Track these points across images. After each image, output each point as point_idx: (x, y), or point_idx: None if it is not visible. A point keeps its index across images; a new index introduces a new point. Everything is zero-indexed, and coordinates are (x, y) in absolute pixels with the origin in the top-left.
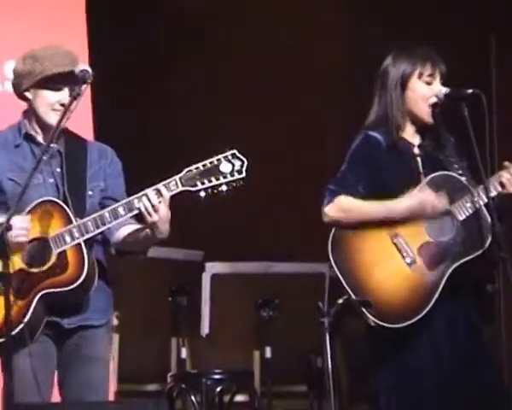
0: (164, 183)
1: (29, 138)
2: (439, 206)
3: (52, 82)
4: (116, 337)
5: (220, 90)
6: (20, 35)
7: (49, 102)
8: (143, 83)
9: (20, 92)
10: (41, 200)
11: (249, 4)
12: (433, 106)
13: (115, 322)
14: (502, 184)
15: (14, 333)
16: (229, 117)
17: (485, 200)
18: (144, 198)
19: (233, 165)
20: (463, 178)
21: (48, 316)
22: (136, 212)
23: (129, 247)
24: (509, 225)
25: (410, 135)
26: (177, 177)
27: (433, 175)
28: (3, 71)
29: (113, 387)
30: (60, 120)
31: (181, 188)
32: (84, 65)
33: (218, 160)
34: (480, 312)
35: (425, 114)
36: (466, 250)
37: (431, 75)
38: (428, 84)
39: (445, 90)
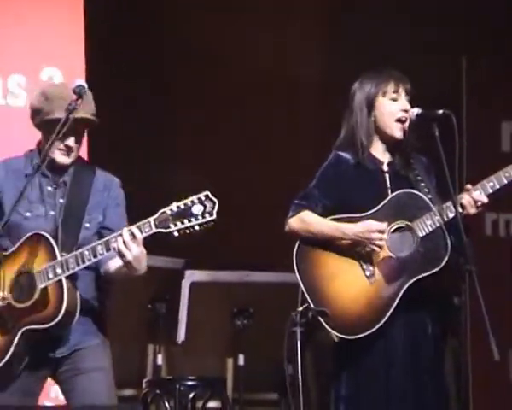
0: (138, 224)
1: (39, 170)
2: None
3: (57, 124)
4: None
5: (195, 104)
6: (22, 49)
7: (55, 144)
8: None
9: (34, 125)
10: (30, 234)
11: (228, 19)
12: (401, 121)
13: None
14: (462, 206)
15: None
16: (206, 130)
17: (448, 218)
18: (119, 239)
19: (204, 206)
20: (429, 196)
21: (34, 350)
22: (112, 251)
23: (113, 277)
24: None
25: (381, 153)
26: (151, 218)
27: (397, 192)
28: (6, 85)
29: None
30: (56, 134)
31: (154, 230)
32: (80, 80)
33: (192, 201)
34: (446, 325)
35: (394, 129)
36: (423, 267)
37: (395, 92)
38: (394, 100)
39: (416, 110)
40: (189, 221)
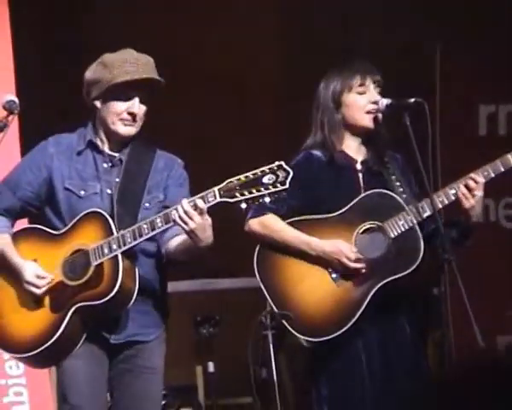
0: (201, 194)
1: (92, 146)
2: (350, 264)
3: (120, 91)
4: None
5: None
6: None
7: (117, 112)
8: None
9: (89, 101)
10: (87, 211)
11: (184, 18)
12: (372, 112)
13: None
14: (458, 199)
15: (44, 347)
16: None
17: (423, 218)
18: (179, 208)
19: (277, 176)
20: (403, 196)
21: (89, 328)
22: (172, 223)
23: (177, 256)
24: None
25: (354, 150)
26: (216, 188)
27: (368, 192)
28: None
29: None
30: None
31: (219, 199)
32: (10, 95)
33: (263, 171)
34: (426, 318)
35: (364, 121)
36: (394, 268)
37: (362, 85)
38: (361, 94)
39: (386, 100)
40: (259, 191)
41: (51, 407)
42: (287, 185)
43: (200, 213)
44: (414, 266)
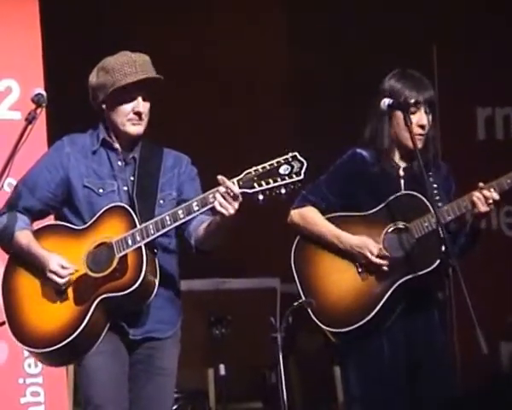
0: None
1: (106, 144)
2: (372, 258)
3: (125, 92)
4: None
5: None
6: None
7: (125, 113)
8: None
9: (96, 105)
10: (109, 206)
11: (191, 19)
12: (417, 136)
13: None
14: (473, 203)
15: (68, 340)
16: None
17: (446, 220)
18: (217, 194)
19: (292, 167)
20: (439, 205)
21: (111, 321)
22: (194, 214)
23: (205, 242)
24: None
25: (398, 158)
26: (235, 179)
27: (398, 194)
28: None
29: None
30: (16, 145)
31: (238, 190)
32: (39, 89)
33: (278, 162)
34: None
35: (409, 141)
36: (415, 267)
37: (417, 103)
38: (413, 113)
39: (388, 100)
40: (275, 181)
41: (67, 408)
42: (302, 176)
43: (235, 198)
44: (432, 267)
